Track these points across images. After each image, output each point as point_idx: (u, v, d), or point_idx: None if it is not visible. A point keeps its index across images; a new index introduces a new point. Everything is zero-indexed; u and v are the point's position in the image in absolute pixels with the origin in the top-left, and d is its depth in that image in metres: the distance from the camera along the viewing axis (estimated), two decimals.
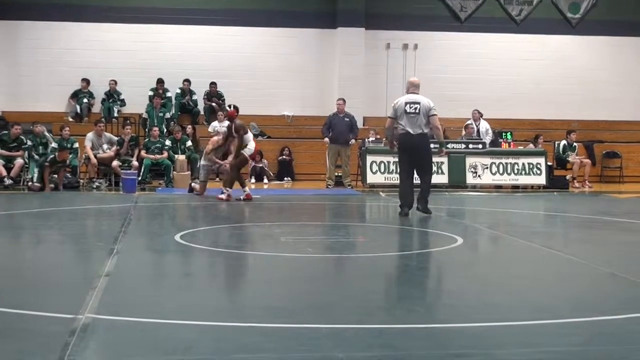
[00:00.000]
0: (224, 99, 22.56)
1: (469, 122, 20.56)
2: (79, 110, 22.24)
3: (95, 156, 18.45)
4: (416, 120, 12.11)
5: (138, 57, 22.83)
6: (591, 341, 5.26)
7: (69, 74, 22.31)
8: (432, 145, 12.82)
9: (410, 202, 12.38)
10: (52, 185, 17.33)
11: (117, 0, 22.97)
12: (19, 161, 17.77)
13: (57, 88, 22.34)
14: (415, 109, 12.10)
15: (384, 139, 16.03)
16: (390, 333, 5.43)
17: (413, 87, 12.48)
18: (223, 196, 15.07)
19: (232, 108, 16.54)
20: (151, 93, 21.85)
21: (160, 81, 22.24)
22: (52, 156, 17.58)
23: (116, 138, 19.20)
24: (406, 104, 12.17)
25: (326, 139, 19.07)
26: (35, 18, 22.58)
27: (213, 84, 22.62)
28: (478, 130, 20.33)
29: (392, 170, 18.52)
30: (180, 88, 22.55)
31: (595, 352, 5.03)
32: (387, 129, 12.87)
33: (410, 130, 12.10)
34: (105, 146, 18.81)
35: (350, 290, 7.07)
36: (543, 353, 4.93)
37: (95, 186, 17.98)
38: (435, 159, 18.73)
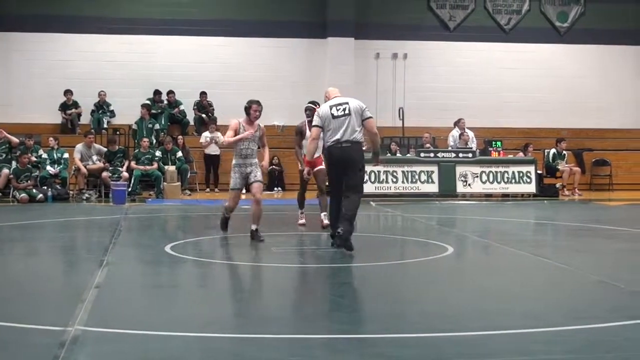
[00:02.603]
0: (213, 109, 22.58)
1: (460, 131, 20.62)
2: (69, 125, 22.15)
3: (85, 167, 18.39)
4: (347, 124, 9.62)
5: (128, 68, 22.80)
6: (583, 349, 5.26)
7: (60, 85, 22.21)
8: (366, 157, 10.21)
9: (343, 231, 9.58)
10: (42, 196, 17.28)
11: (107, 12, 22.91)
12: (4, 171, 17.72)
13: (49, 100, 22.23)
14: (344, 109, 9.70)
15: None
16: (382, 342, 5.42)
17: (334, 92, 10.14)
18: (325, 221, 12.03)
19: (317, 105, 12.01)
20: (149, 102, 21.76)
21: (157, 92, 22.23)
22: (14, 167, 17.64)
23: (105, 149, 19.15)
24: (331, 107, 9.77)
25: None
26: (27, 30, 22.50)
27: (203, 94, 22.60)
28: (460, 136, 20.57)
29: (383, 179, 18.55)
30: (166, 100, 22.52)
31: (588, 359, 5.03)
32: (311, 141, 10.07)
33: (340, 137, 9.60)
34: (94, 157, 18.75)
35: (342, 300, 7.06)
36: None
37: (84, 197, 17.92)
38: (428, 169, 19.23)
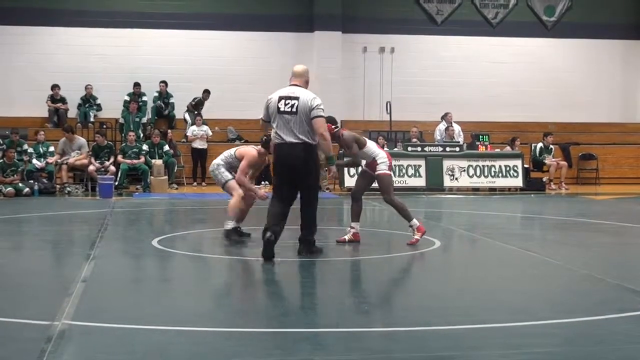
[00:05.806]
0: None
1: (447, 125, 20.64)
2: (55, 117, 22.01)
3: (67, 162, 18.32)
4: (293, 124, 8.55)
5: (114, 62, 22.67)
6: (570, 342, 5.27)
7: (44, 79, 22.04)
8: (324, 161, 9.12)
9: (275, 231, 8.49)
10: (29, 190, 17.21)
11: (92, 5, 22.79)
12: None
13: (32, 93, 22.06)
14: (292, 106, 8.62)
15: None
16: (369, 336, 5.42)
17: (295, 78, 9.29)
18: (416, 237, 9.84)
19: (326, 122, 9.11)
20: (127, 98, 21.66)
21: (137, 84, 22.09)
22: (0, 161, 17.58)
23: (91, 143, 19.07)
24: (280, 99, 8.77)
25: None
26: (8, 22, 22.34)
27: (206, 92, 22.26)
28: (446, 130, 20.63)
29: None
30: (157, 91, 22.38)
31: (575, 353, 5.04)
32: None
33: (284, 137, 8.57)
34: (74, 152, 18.63)
35: (328, 294, 7.05)
36: (523, 354, 4.93)
37: (67, 191, 17.79)
38: (416, 163, 19.28)
